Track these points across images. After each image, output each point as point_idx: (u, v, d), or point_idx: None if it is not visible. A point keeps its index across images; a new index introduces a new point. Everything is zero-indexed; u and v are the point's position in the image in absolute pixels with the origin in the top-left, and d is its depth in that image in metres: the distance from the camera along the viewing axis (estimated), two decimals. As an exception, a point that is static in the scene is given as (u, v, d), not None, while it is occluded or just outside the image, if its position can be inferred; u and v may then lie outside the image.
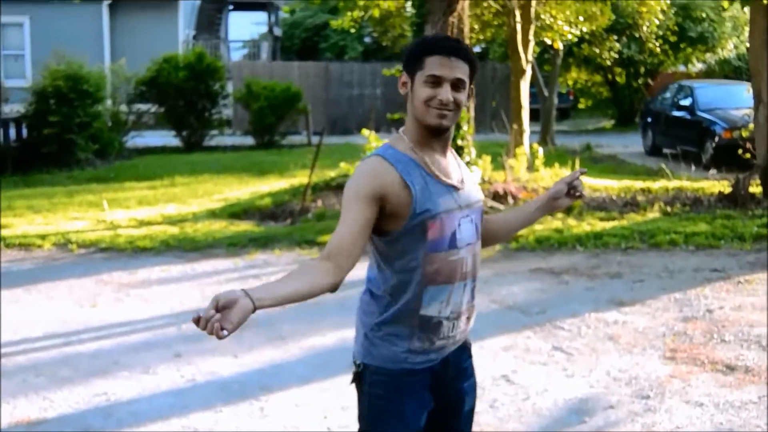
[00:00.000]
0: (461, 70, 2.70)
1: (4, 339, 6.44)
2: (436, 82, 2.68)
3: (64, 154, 17.71)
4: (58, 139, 17.61)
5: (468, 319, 2.81)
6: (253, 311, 2.35)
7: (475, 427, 4.67)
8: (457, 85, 2.70)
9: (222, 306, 2.30)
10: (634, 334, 6.32)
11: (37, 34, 24.82)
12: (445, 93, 2.68)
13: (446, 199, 2.71)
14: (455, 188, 2.75)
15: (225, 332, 2.27)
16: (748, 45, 12.99)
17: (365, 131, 12.00)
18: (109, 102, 20.17)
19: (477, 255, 2.81)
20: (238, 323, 2.31)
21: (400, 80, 2.78)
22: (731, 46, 27.43)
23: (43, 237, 10.03)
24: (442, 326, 2.72)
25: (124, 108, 20.88)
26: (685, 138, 17.55)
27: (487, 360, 5.80)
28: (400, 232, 2.67)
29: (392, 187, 2.64)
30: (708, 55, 28.11)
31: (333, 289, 2.57)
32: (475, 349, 5.32)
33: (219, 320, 2.28)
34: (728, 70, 28.76)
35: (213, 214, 11.68)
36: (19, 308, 7.32)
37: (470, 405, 2.94)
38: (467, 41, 11.29)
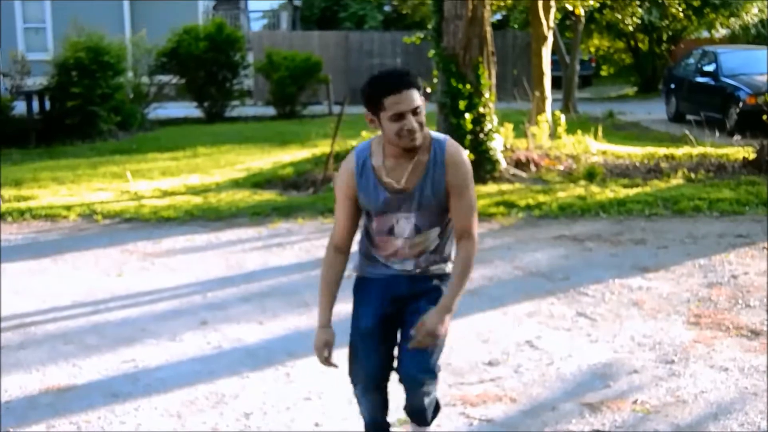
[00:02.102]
0: (415, 99, 3.32)
1: (33, 308, 6.52)
2: (400, 116, 3.30)
3: (87, 126, 17.77)
4: (80, 111, 17.67)
5: (419, 263, 3.62)
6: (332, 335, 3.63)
7: (499, 392, 4.73)
8: (415, 111, 3.33)
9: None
10: (658, 300, 6.32)
11: (57, 6, 24.86)
12: (410, 123, 3.33)
13: (385, 202, 3.49)
14: (400, 192, 3.47)
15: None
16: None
17: (387, 100, 11.97)
18: (130, 74, 20.20)
19: (420, 244, 3.58)
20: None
21: (367, 117, 3.40)
22: (755, 11, 27.09)
23: (68, 208, 10.11)
24: (388, 267, 3.66)
25: (145, 80, 20.91)
26: (709, 104, 17.42)
27: (512, 326, 5.82)
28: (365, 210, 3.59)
29: (353, 187, 3.51)
30: (732, 21, 27.78)
31: (334, 248, 3.66)
32: (499, 315, 5.34)
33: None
34: (751, 36, 28.45)
35: (236, 184, 11.73)
36: (47, 278, 7.39)
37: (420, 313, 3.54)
38: (486, 9, 11.22)
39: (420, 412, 3.85)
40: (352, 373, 3.77)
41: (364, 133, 12.79)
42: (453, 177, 3.47)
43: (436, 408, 3.97)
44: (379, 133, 3.48)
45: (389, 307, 3.67)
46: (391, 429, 4.07)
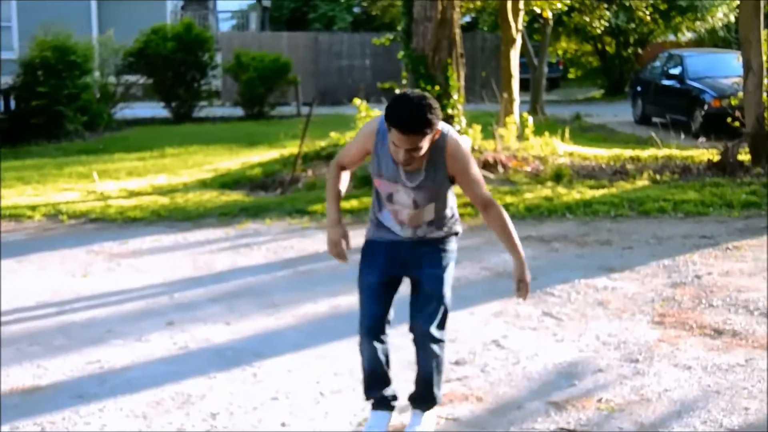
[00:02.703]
0: (415, 141, 3.69)
1: (-3, 309, 6.47)
2: (397, 146, 3.73)
3: (53, 126, 17.65)
4: (46, 111, 17.55)
5: (416, 233, 4.08)
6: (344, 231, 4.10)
7: (466, 391, 4.75)
8: (414, 149, 3.72)
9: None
10: (623, 300, 6.38)
11: (23, 5, 24.68)
12: (402, 154, 3.74)
13: (391, 172, 3.91)
14: (402, 174, 3.90)
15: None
16: (737, 14, 12.99)
17: (357, 101, 12.01)
18: (97, 74, 20.10)
19: (418, 217, 4.02)
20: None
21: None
22: (720, 15, 27.40)
23: (33, 208, 10.03)
24: (393, 233, 4.11)
25: (112, 79, 20.81)
26: (675, 107, 17.60)
27: (479, 325, 5.85)
28: (372, 170, 4.03)
29: (372, 143, 3.96)
30: (698, 24, 28.07)
31: (340, 168, 4.14)
32: (467, 315, 5.36)
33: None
34: (717, 39, 28.76)
35: (204, 185, 11.69)
36: (12, 279, 7.32)
37: (425, 288, 4.09)
38: (456, 10, 11.27)
39: (428, 381, 4.19)
40: (360, 323, 4.17)
41: (332, 134, 12.81)
42: (453, 167, 3.91)
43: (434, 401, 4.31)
44: None
45: (392, 268, 4.12)
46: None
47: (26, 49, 18.58)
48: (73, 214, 9.81)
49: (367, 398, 4.31)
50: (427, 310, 4.05)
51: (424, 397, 4.25)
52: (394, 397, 4.30)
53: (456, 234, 4.20)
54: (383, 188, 4.01)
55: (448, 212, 4.10)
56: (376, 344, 4.13)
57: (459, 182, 3.95)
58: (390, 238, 4.12)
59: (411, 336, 4.16)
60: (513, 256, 4.05)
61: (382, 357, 4.18)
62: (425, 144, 3.72)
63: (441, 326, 4.11)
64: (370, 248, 4.18)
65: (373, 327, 4.12)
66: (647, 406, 4.57)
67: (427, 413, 4.27)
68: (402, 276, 4.17)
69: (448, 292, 4.10)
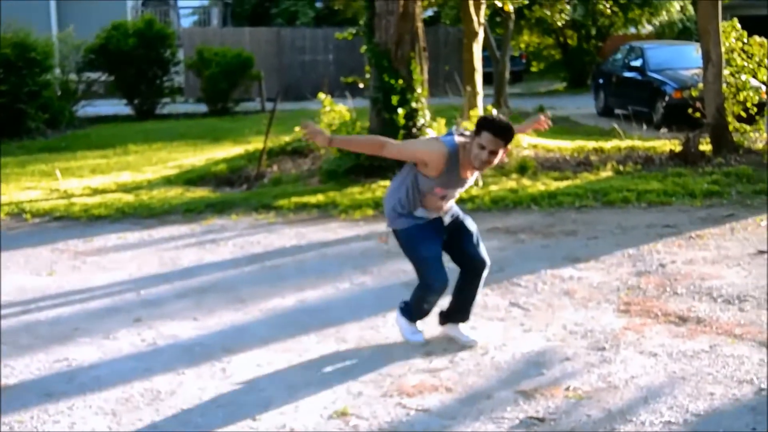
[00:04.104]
0: (499, 145, 4.84)
1: (-40, 308, 6.39)
2: (482, 147, 4.83)
3: (14, 124, 17.45)
4: (7, 109, 17.34)
5: (445, 213, 5.25)
6: (329, 143, 5.10)
7: (435, 382, 4.78)
8: (493, 152, 4.85)
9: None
10: (589, 289, 6.44)
11: (-19, 2, 24.30)
12: (485, 155, 4.85)
13: (453, 183, 5.04)
14: (463, 180, 5.07)
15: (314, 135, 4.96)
16: (693, 7, 13.12)
17: (321, 95, 12.00)
18: (58, 71, 19.89)
19: (452, 203, 5.27)
20: (316, 134, 4.94)
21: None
22: (678, 8, 27.66)
23: (-5, 207, 9.92)
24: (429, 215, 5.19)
25: (73, 77, 20.61)
26: (637, 98, 17.73)
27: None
28: (429, 178, 5.00)
29: (441, 166, 4.93)
30: (655, 18, 28.33)
31: (382, 152, 5.03)
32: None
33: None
34: (678, 30, 29.05)
35: (168, 182, 11.62)
36: (-25, 278, 7.25)
37: (470, 233, 5.31)
38: (418, 4, 11.30)
39: (473, 297, 5.42)
40: (429, 286, 5.21)
41: (297, 129, 12.78)
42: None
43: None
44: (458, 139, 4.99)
45: (442, 234, 5.22)
46: None
47: (-15, 47, 18.33)
48: (37, 212, 9.72)
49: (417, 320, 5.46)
50: (480, 248, 5.31)
51: (469, 313, 5.47)
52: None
53: None
54: (442, 192, 5.06)
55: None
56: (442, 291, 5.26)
57: None
58: (430, 216, 5.17)
59: (466, 269, 5.35)
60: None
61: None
62: (501, 154, 4.87)
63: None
64: (418, 230, 5.14)
65: (445, 281, 5.18)
66: (615, 393, 4.62)
67: (466, 324, 5.50)
68: (449, 238, 5.26)
69: None
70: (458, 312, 5.47)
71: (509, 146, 4.94)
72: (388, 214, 5.27)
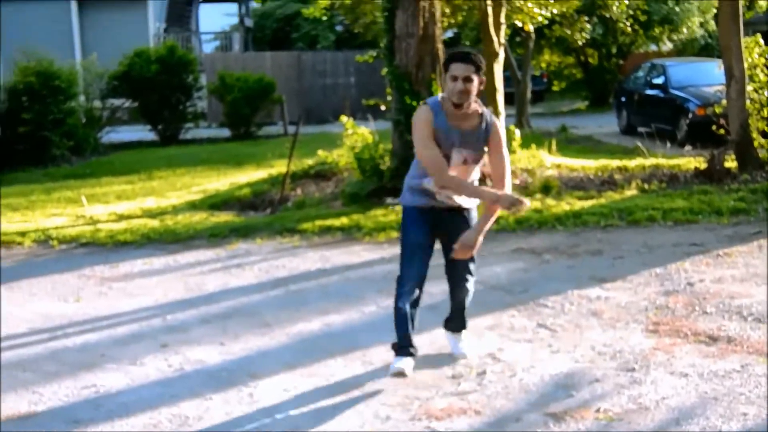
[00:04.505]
0: (468, 71, 4.83)
1: (-12, 336, 6.42)
2: (454, 78, 4.85)
3: (39, 152, 17.60)
4: (32, 137, 17.51)
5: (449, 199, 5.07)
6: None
7: (464, 405, 4.74)
8: (466, 78, 4.83)
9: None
10: (616, 309, 6.39)
11: (6, 31, 24.61)
12: (459, 85, 4.83)
13: (450, 140, 4.93)
14: (463, 134, 4.95)
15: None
16: (715, 23, 13.08)
17: (344, 118, 12.03)
18: (82, 98, 20.05)
19: (467, 170, 5.04)
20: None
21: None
22: (698, 25, 27.58)
23: (23, 234, 9.99)
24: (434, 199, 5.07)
25: (97, 104, 20.78)
26: (660, 116, 17.67)
27: (473, 339, 5.84)
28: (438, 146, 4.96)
29: (428, 120, 4.92)
30: (676, 35, 28.26)
31: (441, 168, 4.96)
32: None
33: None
34: (699, 46, 28.96)
35: (193, 206, 11.67)
36: (3, 306, 7.28)
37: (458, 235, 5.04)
38: (438, 26, 11.32)
39: (461, 309, 5.43)
40: (406, 273, 5.14)
41: (320, 152, 12.82)
42: (492, 140, 5.01)
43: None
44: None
45: (435, 229, 5.13)
46: None
47: (9, 76, 18.54)
48: (63, 239, 9.77)
49: (398, 349, 5.21)
50: (464, 283, 5.30)
51: (464, 321, 5.52)
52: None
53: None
54: (456, 158, 4.95)
55: (476, 182, 5.16)
56: (418, 291, 5.21)
57: (489, 152, 5.01)
58: (431, 203, 5.06)
59: (449, 276, 5.31)
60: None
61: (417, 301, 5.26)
62: (475, 80, 4.84)
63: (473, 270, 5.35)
64: (413, 213, 5.13)
65: (421, 277, 5.15)
66: (645, 414, 4.57)
67: (461, 334, 5.53)
68: (438, 237, 5.18)
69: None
70: (453, 319, 5.55)
71: (483, 75, 4.90)
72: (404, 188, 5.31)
